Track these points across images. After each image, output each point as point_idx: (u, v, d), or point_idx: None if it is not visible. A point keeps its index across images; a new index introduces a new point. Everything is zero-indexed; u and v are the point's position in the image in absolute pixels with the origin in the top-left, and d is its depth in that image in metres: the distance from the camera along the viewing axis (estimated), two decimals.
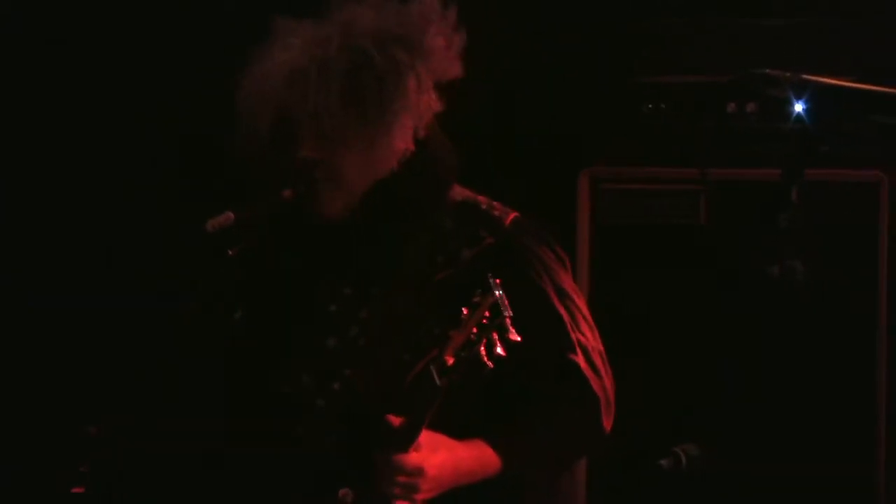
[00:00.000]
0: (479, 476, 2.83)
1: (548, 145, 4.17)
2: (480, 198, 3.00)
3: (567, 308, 2.95)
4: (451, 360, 2.55)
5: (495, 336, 2.55)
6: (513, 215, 2.95)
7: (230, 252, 2.88)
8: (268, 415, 3.14)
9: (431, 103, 2.86)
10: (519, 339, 2.62)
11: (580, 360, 2.89)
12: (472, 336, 2.58)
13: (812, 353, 4.00)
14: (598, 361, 2.93)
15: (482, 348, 2.55)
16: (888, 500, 3.85)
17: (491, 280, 2.59)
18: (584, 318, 2.99)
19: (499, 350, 2.58)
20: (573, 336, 2.91)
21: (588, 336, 2.94)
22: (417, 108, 2.86)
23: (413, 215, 2.95)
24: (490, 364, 2.57)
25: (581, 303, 3.00)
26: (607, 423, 2.90)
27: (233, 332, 3.23)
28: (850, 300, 4.14)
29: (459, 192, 2.97)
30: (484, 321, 2.57)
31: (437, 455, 2.72)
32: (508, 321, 2.58)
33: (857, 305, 4.11)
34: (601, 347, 2.95)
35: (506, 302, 2.57)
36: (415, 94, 2.86)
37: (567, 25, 4.43)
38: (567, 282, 3.00)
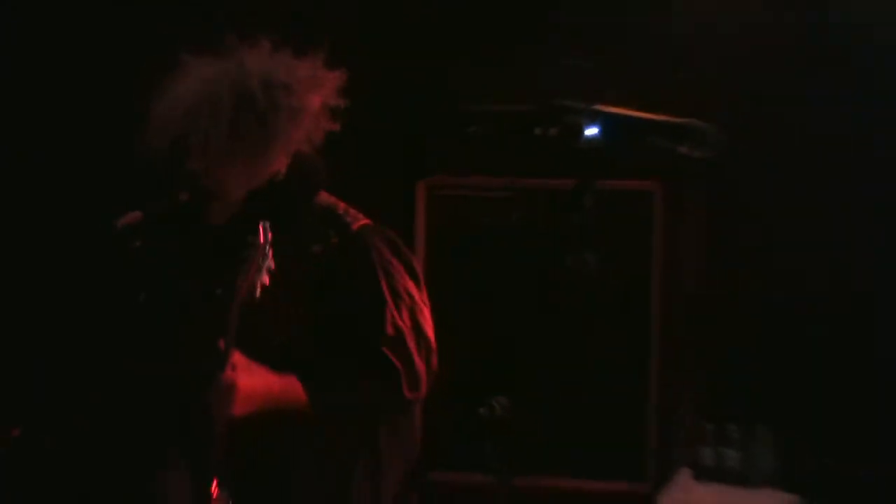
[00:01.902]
0: (288, 405, 3.19)
1: (392, 160, 4.70)
2: (342, 205, 3.35)
3: (392, 288, 3.29)
4: (240, 285, 3.01)
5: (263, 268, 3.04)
6: (363, 222, 3.31)
7: (136, 244, 3.35)
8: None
9: (305, 135, 3.22)
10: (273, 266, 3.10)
11: (392, 340, 3.23)
12: (248, 268, 3.03)
13: (598, 332, 4.77)
14: (411, 344, 3.26)
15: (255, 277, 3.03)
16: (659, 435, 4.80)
17: (262, 226, 3.03)
18: (413, 306, 3.33)
19: (265, 280, 3.07)
20: (387, 307, 3.25)
21: (406, 321, 3.27)
22: (291, 142, 3.22)
23: (280, 220, 3.16)
24: (257, 293, 3.04)
25: (414, 291, 3.32)
26: (409, 393, 3.21)
27: (137, 312, 3.56)
28: (628, 285, 4.93)
29: (325, 199, 3.31)
30: (255, 259, 3.04)
31: (251, 377, 3.07)
32: (271, 258, 3.07)
33: (633, 289, 4.91)
34: (430, 332, 3.30)
35: (269, 245, 3.08)
36: (291, 131, 3.22)
37: (406, 60, 4.95)
38: (401, 275, 3.34)
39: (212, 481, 3.25)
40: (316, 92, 3.25)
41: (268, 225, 3.01)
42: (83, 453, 4.23)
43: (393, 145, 4.75)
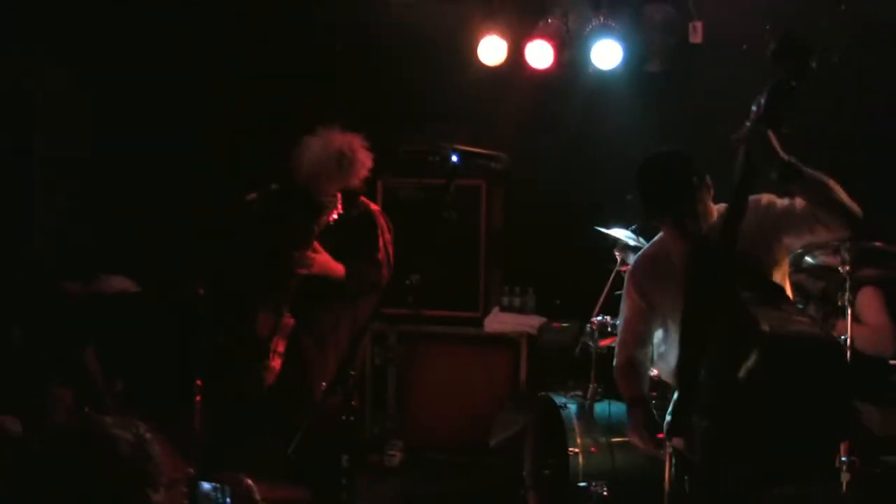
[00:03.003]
0: (335, 272, 5.74)
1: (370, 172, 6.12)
2: (364, 199, 5.96)
3: (382, 236, 5.87)
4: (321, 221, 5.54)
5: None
6: (374, 206, 6.02)
7: (254, 206, 5.78)
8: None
9: (359, 176, 5.83)
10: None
11: (380, 253, 5.88)
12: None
13: (457, 247, 7.77)
14: (383, 257, 5.87)
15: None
16: None
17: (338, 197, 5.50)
18: (387, 243, 5.89)
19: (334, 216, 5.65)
20: (380, 244, 5.86)
21: (381, 248, 5.86)
22: (355, 176, 5.84)
23: (345, 201, 5.74)
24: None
25: (389, 238, 5.91)
26: (382, 278, 5.75)
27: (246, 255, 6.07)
28: (471, 227, 7.87)
29: (364, 200, 5.95)
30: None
31: (322, 256, 5.73)
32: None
33: (472, 229, 7.91)
34: (391, 258, 5.81)
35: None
36: (358, 171, 5.86)
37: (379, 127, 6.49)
38: (385, 228, 5.89)
39: (284, 314, 5.67)
40: (364, 157, 6.00)
41: (339, 196, 5.75)
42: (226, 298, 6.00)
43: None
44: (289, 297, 5.87)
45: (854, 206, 4.01)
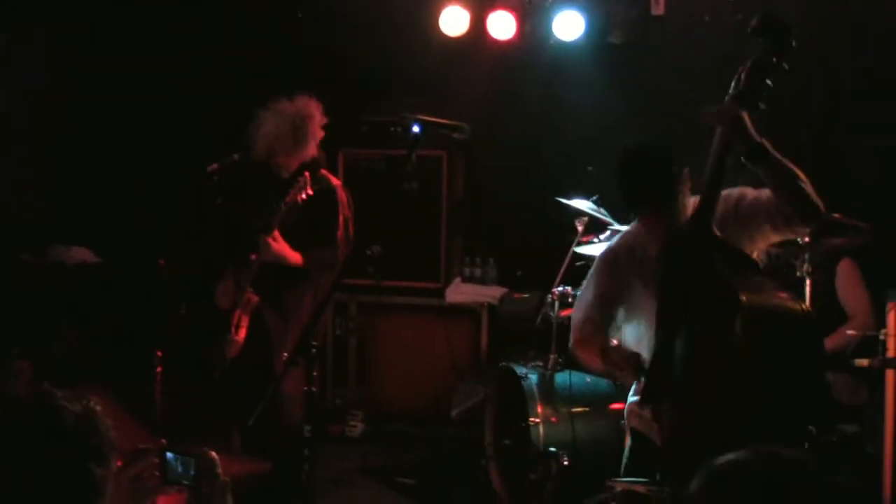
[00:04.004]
0: (294, 260, 5.76)
1: (326, 141, 6.16)
2: (325, 173, 5.89)
3: (342, 213, 5.84)
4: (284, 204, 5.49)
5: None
6: (335, 181, 5.93)
7: (216, 178, 5.77)
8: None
9: (316, 142, 5.84)
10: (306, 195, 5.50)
11: (339, 232, 5.82)
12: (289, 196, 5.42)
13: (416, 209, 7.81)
14: (342, 236, 5.80)
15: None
16: None
17: (305, 175, 5.38)
18: (346, 219, 5.87)
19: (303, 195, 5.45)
20: (339, 224, 5.80)
21: (340, 227, 5.81)
22: (313, 144, 5.84)
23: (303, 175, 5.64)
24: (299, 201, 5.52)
25: (349, 214, 5.87)
26: (340, 257, 5.76)
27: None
28: (432, 195, 7.88)
29: (323, 170, 5.88)
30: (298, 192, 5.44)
31: (280, 244, 5.69)
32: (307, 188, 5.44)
33: (433, 196, 7.91)
34: (351, 233, 5.79)
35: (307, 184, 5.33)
36: (311, 142, 5.87)
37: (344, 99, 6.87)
38: (345, 205, 5.87)
39: (247, 290, 5.67)
40: (319, 121, 5.94)
41: (307, 176, 5.58)
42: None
43: (330, 139, 6.26)
44: (250, 273, 5.86)
45: (817, 200, 4.07)
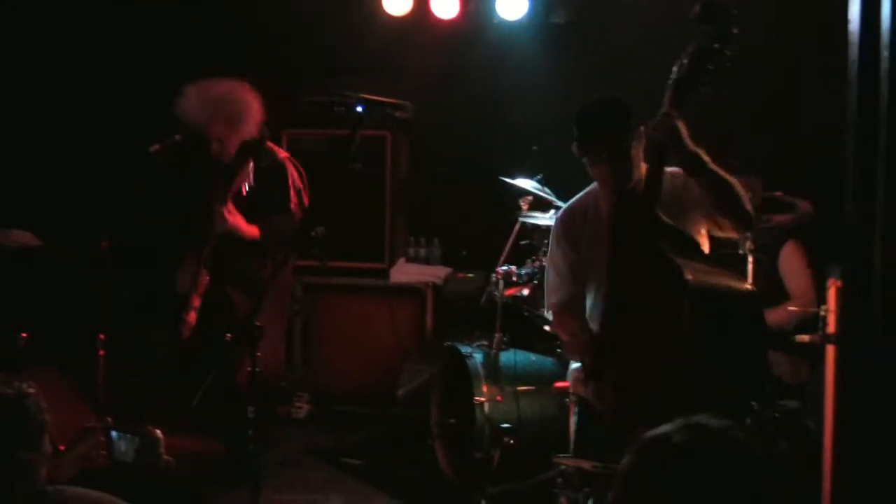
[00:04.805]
0: (248, 233, 5.89)
1: (268, 121, 6.23)
2: (271, 145, 6.10)
3: (294, 186, 5.94)
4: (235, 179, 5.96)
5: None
6: (284, 154, 6.10)
7: (159, 160, 5.92)
8: None
9: (255, 122, 5.88)
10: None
11: (293, 203, 5.93)
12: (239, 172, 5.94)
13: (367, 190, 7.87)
14: (296, 206, 5.92)
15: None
16: None
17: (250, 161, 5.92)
18: (298, 190, 5.96)
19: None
20: (291, 195, 5.91)
21: (293, 198, 5.94)
22: (250, 125, 5.89)
23: (250, 153, 5.90)
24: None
25: (301, 185, 5.97)
26: (295, 227, 5.80)
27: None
28: (377, 174, 7.88)
29: (268, 144, 6.05)
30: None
31: (234, 216, 5.82)
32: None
33: (378, 176, 7.88)
34: (305, 203, 5.87)
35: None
36: (250, 121, 5.90)
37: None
38: (296, 177, 5.98)
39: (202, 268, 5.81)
40: (250, 103, 6.01)
41: (249, 163, 5.87)
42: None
43: (273, 119, 6.36)
44: (208, 252, 5.93)
45: (751, 209, 4.20)
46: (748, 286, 4.09)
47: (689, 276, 3.79)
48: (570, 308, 4.84)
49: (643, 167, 4.34)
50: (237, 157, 6.04)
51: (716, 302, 3.85)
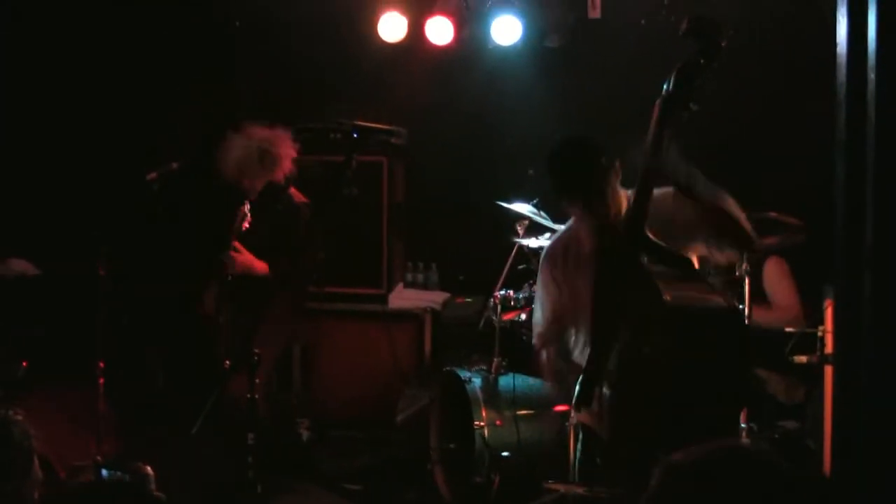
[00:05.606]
0: (259, 271, 6.21)
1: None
2: (293, 191, 6.39)
3: (303, 220, 6.27)
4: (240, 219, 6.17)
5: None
6: (300, 199, 6.35)
7: (155, 188, 6.19)
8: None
9: (283, 171, 6.24)
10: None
11: (302, 248, 6.30)
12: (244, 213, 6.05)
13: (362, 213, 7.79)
14: (304, 251, 6.39)
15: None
16: None
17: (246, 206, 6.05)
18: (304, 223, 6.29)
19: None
20: (302, 240, 6.21)
21: (303, 243, 6.26)
22: (280, 170, 6.22)
23: (271, 196, 6.20)
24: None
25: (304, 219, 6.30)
26: (309, 265, 6.58)
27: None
28: (373, 201, 7.75)
29: (290, 191, 6.38)
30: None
31: (243, 256, 6.19)
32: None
33: (373, 202, 7.80)
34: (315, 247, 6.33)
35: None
36: (281, 166, 6.27)
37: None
38: (304, 215, 6.27)
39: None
40: (287, 151, 6.33)
41: (246, 210, 5.94)
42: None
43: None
44: (225, 286, 6.10)
45: (748, 232, 4.17)
46: (730, 303, 4.07)
47: (666, 298, 3.79)
48: (554, 342, 4.81)
49: (624, 197, 4.36)
50: (260, 197, 6.25)
51: (693, 321, 3.83)
